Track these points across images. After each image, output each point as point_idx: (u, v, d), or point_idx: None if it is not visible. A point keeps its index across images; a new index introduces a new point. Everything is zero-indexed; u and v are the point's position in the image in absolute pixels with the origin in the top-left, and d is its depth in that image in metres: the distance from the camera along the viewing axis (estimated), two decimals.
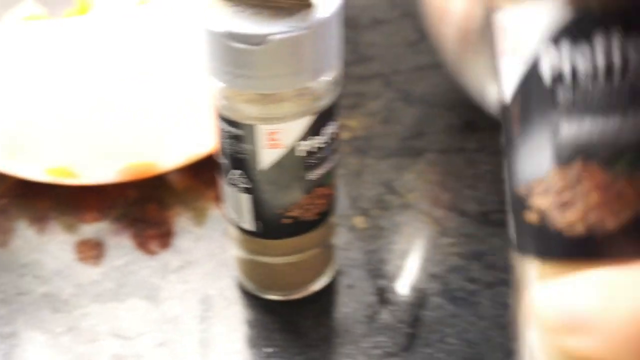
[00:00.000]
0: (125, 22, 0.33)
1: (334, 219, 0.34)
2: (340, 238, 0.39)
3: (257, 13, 0.25)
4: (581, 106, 0.17)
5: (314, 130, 0.28)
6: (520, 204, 0.19)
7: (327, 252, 0.35)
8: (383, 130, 0.47)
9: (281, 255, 0.33)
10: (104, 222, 0.40)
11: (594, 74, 0.17)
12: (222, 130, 0.29)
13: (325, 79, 0.27)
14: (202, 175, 0.42)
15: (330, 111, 0.29)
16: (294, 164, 0.29)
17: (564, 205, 0.18)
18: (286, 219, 0.31)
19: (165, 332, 0.34)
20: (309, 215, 0.31)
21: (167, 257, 0.38)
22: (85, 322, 0.34)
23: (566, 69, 0.17)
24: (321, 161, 0.30)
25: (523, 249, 0.19)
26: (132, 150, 0.38)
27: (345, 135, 0.46)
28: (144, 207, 0.41)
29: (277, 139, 0.28)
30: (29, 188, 0.42)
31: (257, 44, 0.25)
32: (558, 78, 0.17)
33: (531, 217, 0.18)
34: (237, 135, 0.28)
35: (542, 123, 0.18)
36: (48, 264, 0.37)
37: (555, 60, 0.17)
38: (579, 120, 0.17)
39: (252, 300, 0.35)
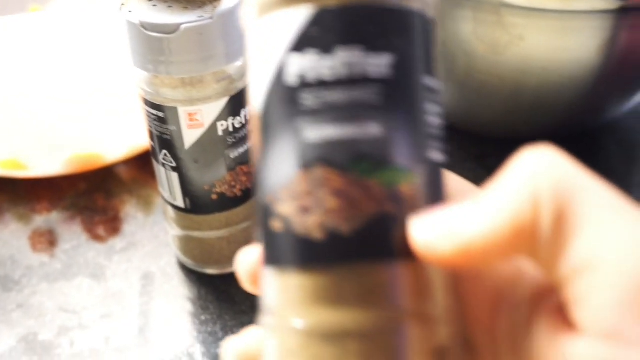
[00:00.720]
0: (67, 20, 0.36)
1: None
2: None
3: (171, 6, 0.28)
4: (324, 113, 0.17)
5: (231, 110, 0.31)
6: (266, 213, 0.18)
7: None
8: None
9: (212, 230, 0.36)
10: (55, 212, 0.43)
11: (337, 84, 0.17)
12: (149, 114, 0.31)
13: (237, 64, 0.30)
14: (146, 166, 0.45)
15: (246, 93, 0.32)
16: (215, 143, 0.32)
17: (305, 211, 0.17)
18: (213, 195, 0.34)
19: (109, 305, 0.36)
20: (234, 192, 0.34)
21: (113, 241, 0.40)
22: (35, 299, 0.37)
23: (311, 77, 0.17)
24: (241, 140, 0.33)
25: (268, 260, 0.18)
26: (78, 142, 0.40)
27: None
28: (92, 197, 0.44)
29: (197, 120, 0.31)
30: None
31: (170, 33, 0.28)
32: (302, 85, 0.17)
33: (275, 225, 0.18)
34: (161, 117, 0.31)
35: (287, 129, 0.18)
36: (1, 251, 0.40)
37: (300, 68, 0.17)
38: (322, 126, 0.17)
39: (191, 275, 0.38)
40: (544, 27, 0.36)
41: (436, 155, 0.19)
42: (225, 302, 0.37)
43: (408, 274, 0.18)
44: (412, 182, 0.18)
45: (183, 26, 0.27)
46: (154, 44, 0.28)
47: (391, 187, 0.18)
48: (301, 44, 0.17)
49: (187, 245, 0.37)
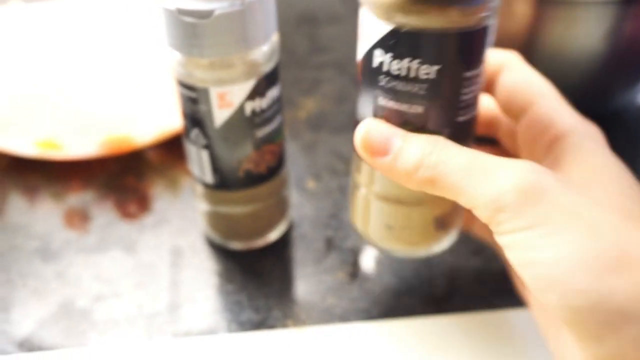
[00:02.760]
0: (100, 6, 0.38)
1: (284, 175, 0.38)
2: (295, 198, 0.43)
3: None
4: (390, 92, 0.27)
5: (258, 91, 0.33)
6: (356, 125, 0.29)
7: (280, 204, 0.39)
8: (336, 109, 0.52)
9: (239, 206, 0.37)
10: (88, 192, 0.45)
11: (400, 78, 0.27)
12: (182, 95, 0.33)
13: (264, 47, 0.32)
14: (175, 149, 0.47)
15: (272, 76, 0.33)
16: (243, 122, 0.33)
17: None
18: (240, 172, 0.35)
19: (141, 276, 0.38)
20: (260, 169, 0.36)
21: (143, 218, 0.42)
22: (72, 269, 0.39)
23: (385, 69, 0.27)
24: (267, 120, 0.34)
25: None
26: (110, 125, 0.42)
27: (302, 114, 0.51)
28: (123, 178, 0.46)
29: (227, 100, 0.33)
30: (20, 164, 0.46)
31: (204, 18, 0.29)
32: (380, 70, 0.27)
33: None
34: (193, 98, 0.33)
35: (370, 90, 0.28)
36: (39, 226, 0.42)
37: (380, 61, 0.27)
38: (388, 99, 0.28)
39: (218, 250, 0.40)
40: (551, 16, 0.37)
41: (463, 117, 0.28)
42: (250, 274, 0.38)
43: None
44: None
45: (216, 12, 0.29)
46: (188, 29, 0.30)
47: None
48: (383, 46, 0.27)
49: (215, 220, 0.39)
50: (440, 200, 0.30)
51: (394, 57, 0.26)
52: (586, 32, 0.38)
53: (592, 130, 0.28)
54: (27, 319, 0.36)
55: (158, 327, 0.35)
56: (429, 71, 0.26)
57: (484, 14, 0.26)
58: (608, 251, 0.22)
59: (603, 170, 0.26)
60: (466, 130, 0.29)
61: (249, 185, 0.36)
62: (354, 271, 0.38)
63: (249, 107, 0.33)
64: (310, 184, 0.45)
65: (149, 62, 0.40)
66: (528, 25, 0.38)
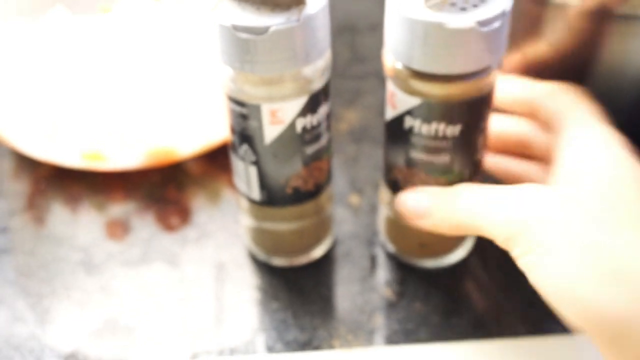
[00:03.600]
0: (145, 20, 0.38)
1: (330, 191, 0.38)
2: (338, 213, 0.43)
3: (258, 9, 0.30)
4: (420, 148, 0.33)
5: (309, 108, 0.32)
6: (387, 170, 0.36)
7: (325, 221, 0.39)
8: (378, 121, 0.51)
9: (285, 222, 0.37)
10: (130, 203, 0.44)
11: (429, 137, 0.32)
12: (232, 110, 0.33)
13: (317, 64, 0.32)
14: (216, 161, 0.47)
15: (323, 92, 0.33)
16: (293, 139, 0.33)
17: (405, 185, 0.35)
18: (288, 189, 0.35)
19: (185, 290, 0.38)
20: (308, 186, 0.35)
21: (185, 231, 0.42)
22: (115, 282, 0.39)
23: (416, 130, 0.32)
24: (316, 137, 0.34)
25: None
26: (153, 137, 0.42)
27: (344, 126, 0.51)
28: (165, 189, 0.45)
29: (278, 117, 0.32)
30: (64, 174, 0.46)
31: (259, 34, 0.29)
32: (411, 132, 0.33)
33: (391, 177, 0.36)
34: (244, 114, 0.32)
35: (401, 145, 0.34)
36: (82, 237, 0.42)
37: (410, 124, 0.32)
38: (418, 153, 0.33)
39: (261, 266, 0.40)
40: (614, 31, 0.36)
41: (479, 156, 0.34)
42: (294, 292, 0.38)
43: None
44: (462, 176, 0.34)
45: (272, 28, 0.29)
46: (241, 44, 0.30)
47: (450, 181, 0.34)
48: (413, 113, 0.32)
49: (260, 236, 0.38)
50: None
51: (423, 122, 0.32)
52: None
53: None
54: (72, 333, 0.36)
55: (203, 344, 0.35)
56: (453, 130, 0.32)
57: (493, 80, 0.31)
58: (604, 266, 0.24)
59: (600, 169, 0.28)
60: (480, 164, 0.35)
61: (296, 202, 0.36)
62: (401, 290, 0.38)
63: (300, 124, 0.32)
64: (354, 199, 0.44)
65: (191, 74, 0.40)
66: (587, 41, 0.37)
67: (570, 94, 0.32)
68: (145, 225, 0.42)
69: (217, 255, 0.40)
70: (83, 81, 0.39)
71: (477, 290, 0.38)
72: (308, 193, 0.36)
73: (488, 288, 0.38)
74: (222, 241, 0.41)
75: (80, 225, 0.43)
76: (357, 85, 0.55)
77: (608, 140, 0.29)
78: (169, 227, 0.42)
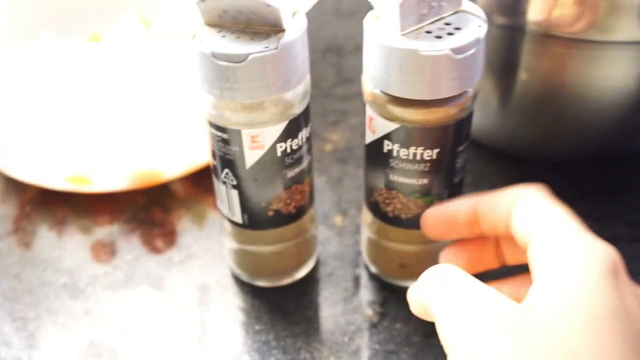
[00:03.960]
0: (132, 46, 0.38)
1: (312, 213, 0.38)
2: (322, 234, 0.43)
3: (238, 37, 0.30)
4: (398, 171, 0.33)
5: (289, 133, 0.33)
6: (368, 194, 0.37)
7: (308, 243, 0.39)
8: (362, 142, 0.52)
9: (267, 245, 0.37)
10: (115, 225, 0.45)
11: (407, 161, 0.33)
12: (213, 135, 0.33)
13: (297, 90, 0.32)
14: (201, 183, 0.47)
15: (303, 116, 0.33)
16: (273, 163, 0.33)
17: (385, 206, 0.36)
18: (269, 212, 0.35)
19: (169, 312, 0.38)
20: (289, 209, 0.36)
21: (170, 253, 0.42)
22: (100, 306, 0.39)
23: (394, 154, 0.33)
24: (297, 160, 0.34)
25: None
26: (140, 160, 0.43)
27: (328, 147, 0.51)
28: (150, 211, 0.46)
29: (258, 141, 0.33)
30: (49, 196, 0.47)
31: (238, 62, 0.30)
32: (389, 155, 0.33)
33: (370, 202, 0.37)
34: (225, 139, 0.33)
35: (380, 168, 0.34)
36: (67, 260, 0.42)
37: (389, 148, 0.33)
38: (396, 175, 0.34)
39: (244, 287, 0.40)
40: (587, 56, 0.37)
41: (458, 179, 0.35)
42: (277, 313, 0.38)
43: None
44: (440, 198, 0.34)
45: (251, 56, 0.29)
46: (221, 72, 0.30)
47: (429, 203, 0.34)
48: (391, 137, 0.33)
49: (242, 258, 0.39)
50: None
51: (401, 146, 0.32)
52: (619, 71, 0.38)
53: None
54: (57, 356, 0.36)
55: None
56: (430, 154, 0.32)
57: (469, 104, 0.32)
58: None
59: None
60: (459, 187, 0.35)
61: (278, 225, 0.36)
62: (383, 311, 0.38)
63: (280, 148, 0.33)
64: (338, 220, 0.45)
65: (176, 98, 0.41)
66: (559, 65, 0.38)
67: (532, 197, 0.28)
68: (130, 248, 0.43)
69: (201, 277, 0.41)
70: (69, 105, 0.40)
71: None
72: (290, 216, 0.36)
73: None
74: (206, 263, 0.42)
75: (65, 249, 0.43)
76: (342, 106, 0.56)
77: (589, 265, 0.24)
78: (154, 250, 0.43)
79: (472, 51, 0.29)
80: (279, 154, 0.33)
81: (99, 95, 0.39)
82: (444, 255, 0.34)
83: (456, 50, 0.29)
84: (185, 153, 0.44)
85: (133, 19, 0.48)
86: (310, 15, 0.34)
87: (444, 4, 0.30)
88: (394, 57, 0.29)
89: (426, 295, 0.26)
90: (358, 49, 0.64)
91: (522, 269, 0.30)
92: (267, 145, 0.33)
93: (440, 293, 0.26)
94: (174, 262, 0.42)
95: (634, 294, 0.24)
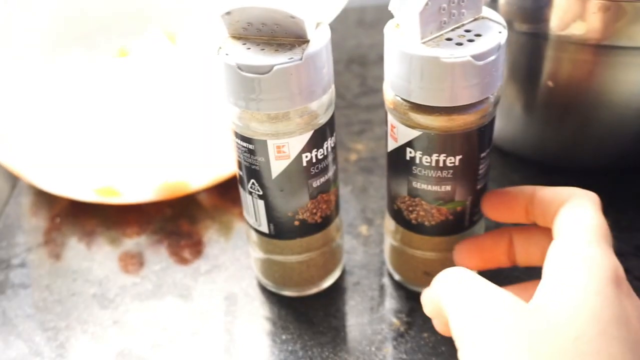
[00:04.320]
0: (157, 63, 0.39)
1: (338, 222, 0.38)
2: (347, 243, 0.43)
3: (263, 49, 0.31)
4: (421, 178, 0.33)
5: (315, 143, 0.33)
6: (391, 200, 0.37)
7: (334, 252, 0.39)
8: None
9: (293, 254, 0.37)
10: (143, 236, 0.45)
11: (430, 168, 0.33)
12: (239, 146, 0.34)
13: (322, 100, 0.32)
14: (227, 194, 0.48)
15: (329, 126, 0.34)
16: (299, 173, 0.34)
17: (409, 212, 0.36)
18: (295, 221, 0.36)
19: (197, 323, 0.39)
20: (315, 218, 0.36)
21: (197, 263, 0.43)
22: (128, 316, 0.39)
23: (417, 161, 0.33)
24: (323, 170, 0.35)
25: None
26: (167, 171, 0.43)
27: (353, 157, 0.52)
28: (177, 222, 0.46)
29: (284, 152, 0.33)
30: (79, 208, 0.47)
31: (263, 73, 0.30)
32: (412, 162, 0.33)
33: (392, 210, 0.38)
34: (250, 149, 0.33)
35: (403, 175, 0.34)
36: (96, 271, 0.43)
37: (411, 156, 0.33)
38: (419, 182, 0.34)
39: (271, 296, 0.40)
40: (613, 62, 0.37)
41: (481, 185, 0.35)
42: (304, 322, 0.38)
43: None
44: (464, 205, 0.35)
45: (275, 67, 0.30)
46: (247, 83, 0.30)
47: (452, 210, 0.35)
48: (413, 145, 0.33)
49: (269, 268, 0.39)
50: None
51: (424, 154, 0.32)
52: None
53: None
54: None
55: None
56: (453, 160, 0.32)
57: (491, 110, 0.32)
58: None
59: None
60: (484, 192, 0.35)
61: (304, 235, 0.37)
62: (410, 320, 0.38)
63: (305, 158, 0.33)
64: (363, 229, 0.45)
65: (203, 109, 0.41)
66: (583, 72, 0.38)
67: (578, 202, 0.29)
68: (158, 259, 0.43)
69: (228, 287, 0.41)
70: (97, 117, 0.40)
71: None
72: (316, 225, 0.36)
73: None
74: (233, 273, 0.42)
75: (94, 259, 0.44)
76: (366, 116, 0.56)
77: (595, 272, 0.25)
78: (181, 260, 0.43)
79: (492, 57, 0.29)
80: (304, 163, 0.33)
81: (127, 108, 0.40)
82: (458, 249, 0.35)
83: (477, 57, 0.29)
84: (212, 164, 0.45)
85: (159, 34, 0.49)
86: (333, 26, 0.34)
87: (464, 12, 0.30)
88: (415, 64, 0.29)
89: (439, 293, 0.28)
90: (382, 59, 0.64)
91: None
92: (293, 155, 0.33)
93: (453, 291, 0.27)
94: (201, 272, 0.42)
95: (635, 306, 0.25)
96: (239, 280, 0.41)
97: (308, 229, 0.36)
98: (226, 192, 0.48)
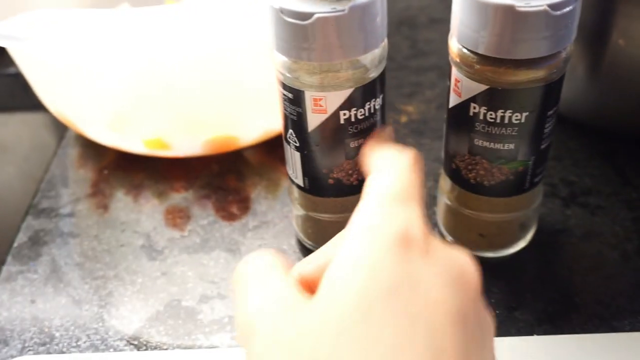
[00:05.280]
0: (207, 10, 0.38)
1: None
2: None
3: None
4: (485, 135, 0.33)
5: (356, 101, 0.31)
6: (447, 158, 0.36)
7: None
8: (437, 114, 0.51)
9: (327, 213, 0.36)
10: (191, 191, 0.45)
11: (493, 124, 0.32)
12: (281, 93, 0.32)
13: (372, 54, 0.31)
14: (275, 151, 0.47)
15: (374, 86, 0.32)
16: (336, 130, 0.32)
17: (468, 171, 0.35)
18: (330, 180, 0.34)
19: None
20: (351, 180, 0.34)
21: (245, 219, 0.42)
22: (177, 268, 0.39)
23: (480, 118, 0.32)
24: (363, 131, 0.33)
25: None
26: (216, 124, 0.43)
27: (403, 119, 0.50)
28: (224, 178, 0.46)
29: (321, 105, 0.31)
30: (127, 161, 0.47)
31: (304, 20, 0.28)
32: (475, 118, 0.32)
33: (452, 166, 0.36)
34: (291, 98, 0.32)
35: (465, 133, 0.33)
36: (144, 223, 0.43)
37: (475, 112, 0.32)
38: (482, 140, 0.33)
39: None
40: None
41: (545, 145, 0.33)
42: None
43: None
44: (526, 165, 0.33)
45: (316, 15, 0.28)
46: (290, 30, 0.29)
47: (514, 170, 0.33)
48: (477, 100, 0.32)
49: (305, 224, 0.38)
50: (525, 206, 0.36)
51: (489, 109, 0.31)
52: None
53: None
54: (135, 316, 0.36)
55: None
56: (519, 117, 0.31)
57: (562, 65, 0.30)
58: None
59: None
60: (546, 154, 0.34)
61: (339, 194, 0.35)
62: None
63: (343, 116, 0.32)
64: None
65: (252, 63, 0.40)
66: None
67: (380, 167, 0.26)
68: (205, 214, 0.43)
69: (275, 243, 0.40)
70: (146, 70, 0.40)
71: (541, 285, 0.37)
72: (351, 187, 0.35)
73: (552, 282, 0.37)
74: (281, 229, 0.41)
75: (142, 212, 0.44)
76: (416, 79, 0.55)
77: (370, 240, 0.22)
78: (229, 216, 0.43)
79: (570, 8, 0.28)
80: (342, 121, 0.32)
81: (176, 60, 0.40)
82: None
83: (554, 7, 0.27)
84: (261, 120, 0.44)
85: None
86: None
87: None
88: (487, 13, 0.28)
89: (234, 279, 0.25)
90: (432, 21, 0.62)
91: None
92: (330, 110, 0.31)
93: (243, 281, 0.24)
94: (249, 228, 0.42)
95: (432, 265, 0.21)
96: (287, 238, 0.41)
97: (343, 189, 0.35)
98: (274, 149, 0.47)
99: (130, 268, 0.39)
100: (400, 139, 0.48)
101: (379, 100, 0.33)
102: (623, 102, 0.42)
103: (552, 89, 0.31)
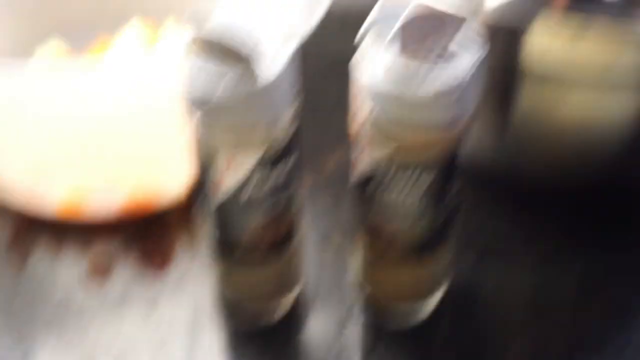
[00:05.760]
0: (130, 66, 0.38)
1: (296, 244, 0.38)
2: (316, 256, 0.43)
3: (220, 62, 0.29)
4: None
5: (266, 163, 0.32)
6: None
7: (293, 270, 0.39)
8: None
9: (247, 271, 0.37)
10: (111, 246, 0.45)
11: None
12: (195, 157, 0.33)
13: (278, 123, 0.32)
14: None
15: (282, 152, 0.32)
16: (249, 192, 0.33)
17: None
18: (245, 242, 0.35)
19: (161, 336, 0.39)
20: (266, 241, 0.35)
21: (164, 276, 0.43)
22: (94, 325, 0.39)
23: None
24: (276, 190, 0.33)
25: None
26: (134, 185, 0.43)
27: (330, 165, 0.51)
28: (145, 235, 0.45)
29: (233, 168, 0.32)
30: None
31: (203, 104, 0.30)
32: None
33: None
34: (202, 162, 0.33)
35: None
36: (62, 278, 0.43)
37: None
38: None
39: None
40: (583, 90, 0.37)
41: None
42: (269, 336, 0.39)
43: None
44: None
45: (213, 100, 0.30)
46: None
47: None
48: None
49: (225, 284, 0.39)
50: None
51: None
52: (618, 104, 0.37)
53: None
54: None
55: None
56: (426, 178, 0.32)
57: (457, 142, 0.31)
58: None
59: None
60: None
61: (255, 255, 0.36)
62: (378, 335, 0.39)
63: (256, 177, 0.32)
64: (335, 239, 0.44)
65: (169, 123, 0.41)
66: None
67: None
68: (125, 270, 0.43)
69: (193, 301, 0.41)
70: (64, 129, 0.40)
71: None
72: (268, 247, 0.36)
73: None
74: (199, 287, 0.42)
75: (61, 266, 0.43)
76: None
77: None
78: (148, 272, 0.43)
79: (456, 94, 0.29)
80: (255, 182, 0.33)
81: (94, 119, 0.40)
82: None
83: (441, 93, 0.29)
84: (179, 179, 0.44)
85: (140, 29, 0.47)
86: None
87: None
88: (377, 98, 0.30)
89: None
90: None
91: None
92: (242, 173, 0.32)
93: None
94: (168, 284, 0.42)
95: None
96: (205, 295, 0.41)
97: (259, 250, 0.36)
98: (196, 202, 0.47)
99: (47, 324, 0.39)
100: (323, 188, 0.48)
101: (291, 160, 0.34)
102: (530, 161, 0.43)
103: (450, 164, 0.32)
